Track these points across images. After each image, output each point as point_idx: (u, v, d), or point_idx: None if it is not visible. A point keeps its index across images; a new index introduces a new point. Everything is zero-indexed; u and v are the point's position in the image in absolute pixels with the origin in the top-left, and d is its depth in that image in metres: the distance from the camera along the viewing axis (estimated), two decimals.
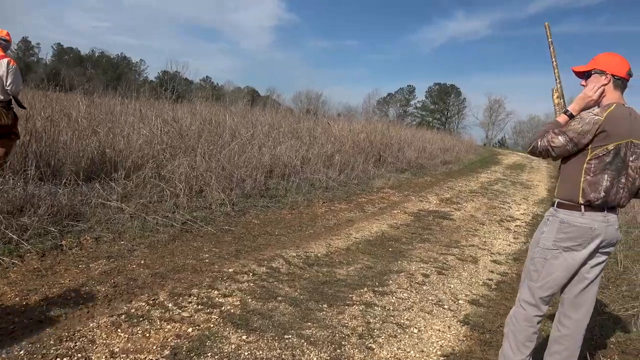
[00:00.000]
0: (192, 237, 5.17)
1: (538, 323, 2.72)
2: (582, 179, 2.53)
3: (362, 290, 4.28)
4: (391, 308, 4.00)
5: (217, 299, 3.74)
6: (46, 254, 4.17)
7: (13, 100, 5.55)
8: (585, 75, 2.65)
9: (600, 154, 2.48)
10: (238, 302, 3.71)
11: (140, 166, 7.02)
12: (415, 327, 3.70)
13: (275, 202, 7.34)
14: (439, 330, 3.72)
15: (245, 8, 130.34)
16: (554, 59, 2.95)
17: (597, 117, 2.46)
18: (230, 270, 4.36)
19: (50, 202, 4.89)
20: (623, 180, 2.52)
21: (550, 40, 2.98)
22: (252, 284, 4.10)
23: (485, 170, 18.46)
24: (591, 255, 2.59)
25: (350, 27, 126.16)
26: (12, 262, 3.89)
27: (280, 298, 3.88)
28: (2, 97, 5.37)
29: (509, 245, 6.84)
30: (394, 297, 4.24)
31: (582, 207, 2.54)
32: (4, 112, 5.37)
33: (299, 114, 15.08)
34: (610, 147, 2.45)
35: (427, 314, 3.98)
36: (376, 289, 4.38)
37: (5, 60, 5.37)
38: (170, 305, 3.53)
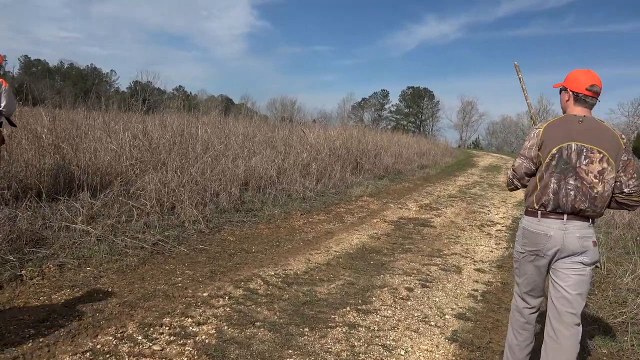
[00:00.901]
0: (164, 259, 4.90)
1: (530, 314, 2.90)
2: (537, 186, 2.71)
3: (344, 310, 4.08)
4: (376, 328, 3.80)
5: (190, 327, 3.49)
6: (4, 286, 3.86)
7: (4, 121, 5.35)
8: (560, 90, 2.88)
9: (548, 160, 2.67)
10: (213, 330, 3.47)
11: (108, 184, 6.72)
12: (402, 348, 3.51)
13: (251, 217, 7.10)
14: (427, 350, 3.54)
15: (217, 16, 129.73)
16: (525, 93, 3.54)
17: (538, 129, 2.75)
18: (204, 294, 4.12)
19: (8, 228, 4.57)
20: (572, 182, 2.61)
21: (520, 76, 3.55)
22: (228, 309, 3.86)
23: (462, 173, 18.50)
24: (557, 262, 2.69)
25: (321, 32, 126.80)
26: None
27: (258, 323, 3.65)
28: None
29: (491, 251, 6.72)
30: (378, 316, 4.04)
31: (539, 212, 2.70)
32: None
33: (273, 122, 14.82)
34: (554, 151, 2.64)
35: (413, 333, 3.80)
36: (359, 307, 4.18)
37: None
38: (139, 337, 3.27)
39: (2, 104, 5.23)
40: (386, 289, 4.74)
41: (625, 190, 2.64)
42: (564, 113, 2.83)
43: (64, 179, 6.48)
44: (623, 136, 2.66)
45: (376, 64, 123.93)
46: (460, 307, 4.46)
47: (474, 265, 5.92)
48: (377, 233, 7.10)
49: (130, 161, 7.72)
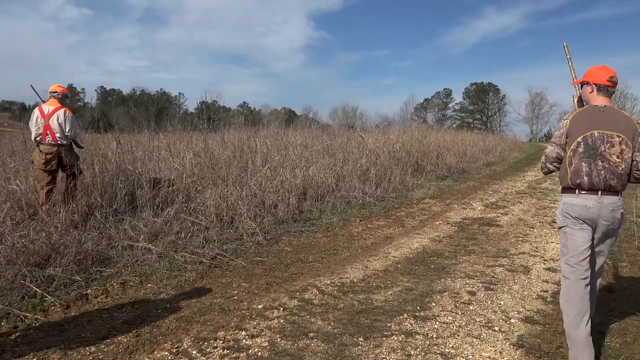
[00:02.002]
0: (221, 273, 4.96)
1: (585, 286, 3.18)
2: (568, 170, 3.18)
3: (401, 317, 3.94)
4: (434, 335, 3.64)
5: (244, 340, 3.49)
6: (71, 305, 4.05)
7: (73, 143, 6.53)
8: (582, 84, 3.35)
9: (574, 147, 3.15)
10: (266, 343, 3.45)
11: (171, 202, 6.93)
12: (462, 356, 3.33)
13: (309, 226, 7.09)
14: (490, 357, 3.34)
15: (275, 30, 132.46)
16: (573, 73, 3.67)
17: (565, 120, 3.25)
18: (259, 306, 4.12)
19: (75, 249, 4.80)
20: (600, 164, 3.06)
21: (569, 57, 3.73)
22: (282, 320, 3.83)
23: (532, 167, 17.66)
24: (595, 230, 3.17)
25: (378, 37, 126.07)
26: (35, 318, 3.77)
27: (312, 334, 3.60)
28: (64, 142, 6.30)
29: None
30: (437, 322, 3.87)
31: (577, 190, 3.16)
32: (67, 154, 6.32)
33: (332, 130, 14.80)
34: (580, 139, 3.12)
35: (475, 339, 3.60)
36: (417, 314, 4.03)
37: (62, 110, 6.29)
38: (194, 352, 3.31)
39: (67, 129, 6.29)
40: (447, 293, 4.54)
41: None
42: (587, 104, 3.29)
43: (128, 199, 6.76)
44: (639, 121, 3.12)
45: (436, 63, 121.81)
46: (528, 310, 4.20)
47: (544, 264, 5.57)
48: (438, 236, 6.88)
49: (192, 178, 7.95)
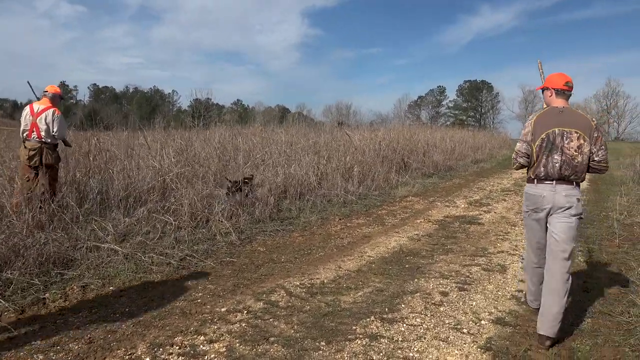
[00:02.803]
0: (188, 275, 4.82)
1: (540, 272, 3.74)
2: (535, 163, 3.58)
3: (368, 320, 3.81)
4: (400, 339, 3.52)
5: (201, 346, 3.35)
6: (26, 310, 3.89)
7: (60, 142, 6.67)
8: (543, 90, 3.79)
9: (538, 143, 3.54)
10: (224, 349, 3.31)
11: (144, 201, 6.78)
12: None
13: (286, 225, 6.96)
14: None
15: (270, 29, 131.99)
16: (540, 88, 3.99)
17: (531, 120, 3.68)
18: (223, 309, 3.98)
19: (37, 251, 4.64)
20: (557, 157, 3.46)
21: (541, 71, 4.18)
22: (244, 324, 3.70)
23: None
24: (552, 216, 3.54)
25: (373, 34, 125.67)
26: None
27: (272, 339, 3.47)
28: (50, 141, 6.36)
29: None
30: (404, 325, 3.75)
31: (535, 180, 3.60)
32: (50, 153, 6.34)
33: (322, 127, 14.61)
34: (543, 136, 3.53)
35: (441, 342, 3.48)
36: (385, 316, 3.91)
37: (52, 110, 6.39)
38: (147, 359, 3.17)
39: (55, 129, 6.37)
40: (418, 294, 4.42)
41: (596, 158, 3.50)
42: (548, 106, 3.70)
43: (101, 198, 6.61)
44: (594, 119, 3.55)
45: (431, 61, 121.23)
46: (500, 311, 4.09)
47: (522, 263, 5.46)
48: (418, 234, 6.76)
49: (169, 176, 7.80)
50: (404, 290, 4.51)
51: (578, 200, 3.51)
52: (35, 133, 6.28)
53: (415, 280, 4.84)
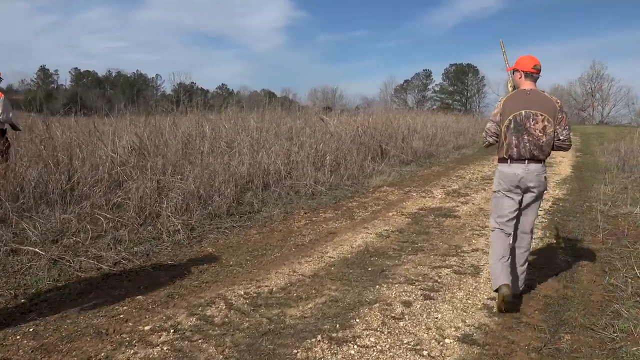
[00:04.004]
0: (118, 283, 4.23)
1: (507, 236, 3.89)
2: (504, 143, 3.77)
3: (313, 341, 3.27)
4: None
5: None
6: None
7: (8, 127, 6.67)
8: (513, 71, 3.92)
9: (507, 124, 3.75)
10: None
11: (86, 196, 6.16)
12: None
13: (245, 220, 6.38)
14: None
15: (254, 12, 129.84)
16: (507, 63, 4.23)
17: (500, 102, 3.90)
18: (146, 327, 3.41)
19: None
20: (526, 138, 3.67)
21: (504, 50, 4.34)
22: (166, 348, 3.14)
23: None
24: (525, 194, 3.81)
25: (359, 17, 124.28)
26: None
27: None
28: None
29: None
30: (355, 346, 3.22)
31: (508, 160, 3.76)
32: None
33: (299, 113, 13.88)
34: (511, 117, 3.72)
35: None
36: (334, 334, 3.37)
37: None
38: None
39: None
40: (377, 305, 3.89)
41: (560, 137, 3.73)
42: (517, 88, 3.88)
43: (39, 192, 5.99)
44: (558, 100, 3.75)
45: (417, 45, 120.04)
46: (468, 325, 3.57)
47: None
48: (387, 230, 6.23)
49: (121, 167, 7.17)
50: (361, 300, 3.98)
51: (545, 178, 3.82)
52: None
53: (377, 286, 4.30)
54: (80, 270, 4.37)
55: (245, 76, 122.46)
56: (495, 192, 3.95)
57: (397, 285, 4.33)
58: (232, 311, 3.71)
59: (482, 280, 4.52)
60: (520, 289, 4.05)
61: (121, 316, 3.59)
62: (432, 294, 4.14)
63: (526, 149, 3.68)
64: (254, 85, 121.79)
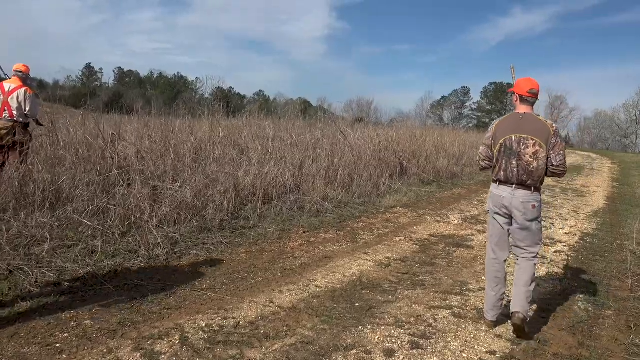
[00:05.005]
0: (70, 303, 3.80)
1: (497, 264, 3.91)
2: (496, 166, 3.82)
3: None
4: None
5: None
6: None
7: (32, 121, 6.94)
8: (512, 94, 3.88)
9: (498, 147, 3.78)
10: None
11: (70, 199, 5.82)
12: None
13: (236, 236, 5.93)
14: None
15: (296, 19, 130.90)
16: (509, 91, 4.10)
17: (493, 125, 3.93)
18: None
19: None
20: (514, 162, 3.67)
21: (514, 77, 4.11)
22: None
23: None
24: (512, 218, 3.77)
25: (400, 30, 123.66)
26: None
27: None
28: (22, 120, 6.64)
29: (538, 285, 5.09)
30: None
31: (497, 182, 3.83)
32: (22, 131, 6.57)
33: (315, 123, 13.45)
34: (502, 141, 3.75)
35: None
36: None
37: (23, 89, 6.63)
38: None
39: (27, 108, 6.65)
40: (354, 352, 3.36)
41: (554, 163, 3.62)
42: (515, 110, 3.79)
43: (18, 193, 5.67)
44: (553, 125, 3.66)
45: (458, 61, 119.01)
46: None
47: (505, 308, 4.35)
48: (389, 258, 5.68)
49: (119, 171, 6.84)
50: (337, 345, 3.45)
51: (534, 207, 3.67)
52: (7, 112, 6.51)
53: (360, 327, 3.77)
54: (35, 284, 3.98)
55: (283, 83, 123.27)
56: (488, 212, 3.99)
57: (383, 328, 3.78)
58: (184, 348, 3.24)
59: (483, 328, 3.93)
60: (524, 311, 3.79)
61: (57, 345, 3.16)
62: (421, 342, 3.58)
63: (514, 173, 3.66)
64: (291, 92, 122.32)
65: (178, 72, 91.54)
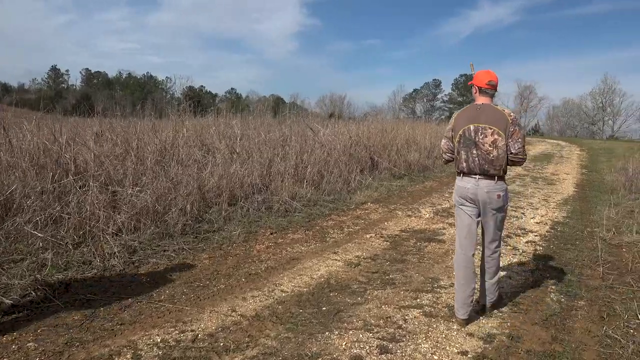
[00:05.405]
0: (12, 324, 3.52)
1: (466, 258, 3.83)
2: (457, 157, 3.83)
3: None
4: None
5: None
6: None
7: None
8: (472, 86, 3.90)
9: (458, 138, 3.78)
10: None
11: (21, 210, 5.49)
12: None
13: (199, 242, 5.68)
14: None
15: (268, 17, 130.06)
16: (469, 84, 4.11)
17: (452, 118, 3.93)
18: None
19: None
20: (474, 152, 3.66)
21: (473, 73, 4.08)
22: None
23: None
24: (479, 208, 3.77)
25: (372, 26, 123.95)
26: None
27: None
28: None
29: (510, 277, 5.01)
30: None
31: (461, 174, 3.81)
32: None
33: (284, 120, 13.18)
34: (460, 132, 3.75)
35: None
36: None
37: None
38: None
39: None
40: None
41: (513, 151, 3.65)
42: (475, 102, 3.81)
43: None
44: (512, 114, 3.70)
45: (429, 55, 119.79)
46: None
47: (477, 303, 4.23)
48: (359, 256, 5.51)
49: (75, 177, 6.50)
50: (302, 354, 3.26)
51: (499, 196, 3.69)
52: None
53: (327, 333, 3.59)
54: None
55: (256, 81, 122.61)
56: (455, 206, 3.96)
57: (351, 333, 3.61)
58: None
59: (454, 327, 3.79)
60: (489, 303, 4.03)
61: None
62: (390, 346, 3.42)
63: (475, 163, 3.67)
64: (264, 90, 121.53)
65: (147, 72, 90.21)
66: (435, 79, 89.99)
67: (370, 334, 3.60)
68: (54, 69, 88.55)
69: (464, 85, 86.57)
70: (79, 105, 9.42)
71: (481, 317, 3.98)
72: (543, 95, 77.15)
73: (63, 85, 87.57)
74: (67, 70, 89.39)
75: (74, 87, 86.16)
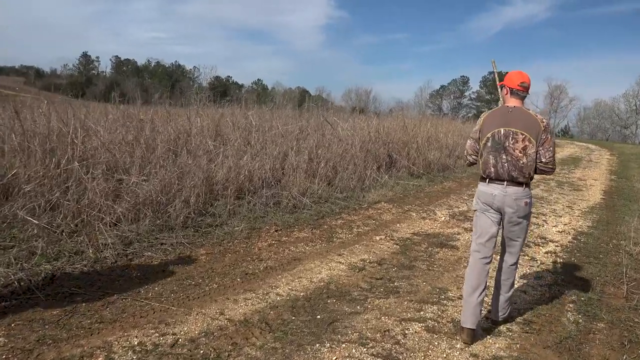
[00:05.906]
0: None
1: (484, 264, 3.62)
2: (480, 161, 3.64)
3: None
4: None
5: None
6: None
7: None
8: (502, 87, 3.73)
9: (484, 141, 3.57)
10: None
11: (24, 194, 5.36)
12: None
13: (199, 236, 5.47)
14: None
15: (297, 9, 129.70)
16: (498, 80, 3.95)
17: (480, 119, 3.72)
18: None
19: None
20: (504, 157, 3.47)
21: (495, 70, 4.40)
22: None
23: None
24: (504, 218, 3.59)
25: (400, 19, 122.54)
26: None
27: None
28: None
29: (525, 292, 4.66)
30: None
31: (487, 180, 3.59)
32: None
33: (301, 113, 12.90)
34: (489, 135, 3.54)
35: None
36: None
37: None
38: None
39: None
40: None
41: (543, 160, 3.50)
42: (504, 104, 3.65)
43: None
44: (544, 120, 3.50)
45: (457, 50, 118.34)
46: None
47: (486, 320, 3.92)
48: (365, 260, 5.23)
49: (79, 163, 6.36)
50: None
51: (526, 204, 3.55)
52: None
53: (317, 345, 3.33)
54: None
55: (285, 72, 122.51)
56: (474, 211, 3.74)
57: (344, 346, 3.34)
58: None
59: (457, 346, 3.50)
60: (501, 318, 3.86)
61: None
62: None
63: (504, 169, 3.49)
64: (291, 82, 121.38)
65: (175, 61, 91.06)
66: (463, 76, 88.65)
67: (365, 349, 3.33)
68: (85, 55, 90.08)
69: (492, 83, 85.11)
70: (108, 92, 9.41)
71: (488, 336, 3.67)
72: (574, 95, 75.42)
73: (93, 71, 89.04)
74: (97, 57, 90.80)
75: (104, 73, 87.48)
